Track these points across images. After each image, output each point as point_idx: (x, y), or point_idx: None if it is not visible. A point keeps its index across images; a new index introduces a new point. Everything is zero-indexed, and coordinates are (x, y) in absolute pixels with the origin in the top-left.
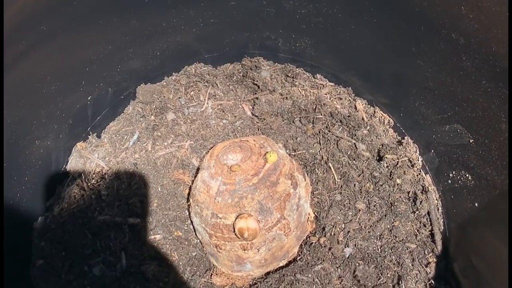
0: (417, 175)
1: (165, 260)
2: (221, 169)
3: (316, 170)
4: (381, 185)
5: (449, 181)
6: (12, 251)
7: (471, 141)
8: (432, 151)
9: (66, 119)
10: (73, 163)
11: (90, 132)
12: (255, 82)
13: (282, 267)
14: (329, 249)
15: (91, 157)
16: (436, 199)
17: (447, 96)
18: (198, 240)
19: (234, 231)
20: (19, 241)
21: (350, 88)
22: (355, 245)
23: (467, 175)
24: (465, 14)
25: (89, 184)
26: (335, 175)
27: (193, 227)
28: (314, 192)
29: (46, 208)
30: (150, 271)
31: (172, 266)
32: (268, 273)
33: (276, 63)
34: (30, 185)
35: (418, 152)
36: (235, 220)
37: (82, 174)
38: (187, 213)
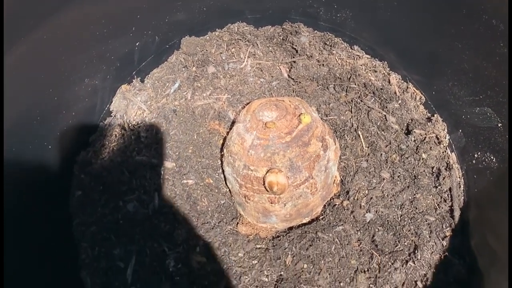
0: (443, 152)
1: (195, 204)
2: (256, 124)
3: (346, 136)
4: (407, 158)
5: (474, 161)
6: (54, 180)
7: (499, 125)
8: (460, 130)
9: (114, 61)
10: (117, 104)
11: (135, 76)
12: (294, 46)
13: (304, 224)
14: (351, 212)
15: (134, 100)
16: (459, 177)
17: (480, 79)
18: (228, 190)
19: (264, 184)
20: (61, 171)
21: (385, 62)
22: (376, 211)
23: (492, 157)
24: (507, 2)
25: (129, 125)
26: (363, 143)
27: (224, 176)
28: (342, 157)
29: (88, 143)
30: (180, 213)
31: (201, 211)
32: (291, 228)
33: (316, 31)
34: (76, 119)
35: (446, 130)
36: (266, 173)
37: (124, 115)
38: (219, 163)
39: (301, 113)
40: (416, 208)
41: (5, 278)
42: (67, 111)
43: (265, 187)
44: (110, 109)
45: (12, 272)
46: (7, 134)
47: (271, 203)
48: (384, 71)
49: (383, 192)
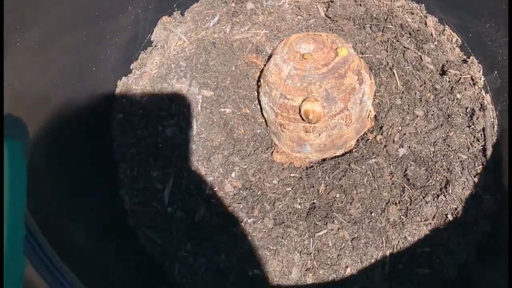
0: (478, 93)
1: (231, 132)
2: (294, 55)
3: (381, 74)
4: (441, 97)
5: (508, 103)
6: (97, 104)
7: None
8: (496, 72)
9: None
10: (158, 34)
11: (175, 9)
12: None
13: (338, 156)
14: (384, 146)
15: (175, 31)
16: (493, 118)
17: None
18: (263, 120)
19: (299, 112)
20: (103, 96)
21: (423, 5)
22: (409, 147)
23: None
24: None
25: (170, 54)
26: (398, 81)
27: (260, 106)
28: (376, 94)
29: (130, 70)
30: (217, 139)
31: (237, 139)
32: (324, 160)
33: None
34: (119, 46)
35: (481, 72)
36: (302, 102)
37: (165, 45)
38: (256, 94)
39: (338, 47)
40: (449, 146)
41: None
42: (111, 37)
43: (300, 116)
44: (151, 39)
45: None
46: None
47: (306, 132)
48: (421, 14)
49: (416, 129)
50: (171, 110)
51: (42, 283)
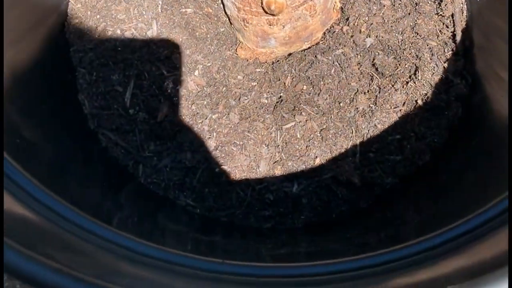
0: None
1: (193, 31)
2: None
3: None
4: None
5: None
6: (50, 7)
7: None
8: None
9: None
10: None
11: None
12: None
13: (304, 49)
14: (351, 37)
15: None
16: (462, 3)
17: None
18: (227, 18)
19: (262, 4)
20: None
21: None
22: (377, 36)
23: None
24: None
25: None
26: None
27: (223, 4)
28: None
29: None
30: (178, 39)
31: (200, 38)
32: (290, 54)
33: None
34: None
35: None
36: None
37: None
38: None
39: None
40: (418, 34)
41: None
42: None
43: (263, 8)
44: None
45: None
46: None
47: (270, 25)
48: None
49: (383, 19)
50: (130, 13)
51: None
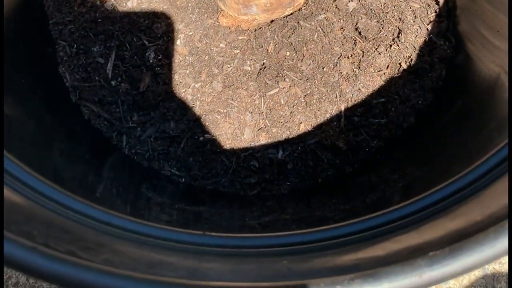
0: None
1: (174, 0)
2: None
3: None
4: None
5: None
6: None
7: None
8: None
9: None
10: None
11: None
12: None
13: (287, 16)
14: (334, 1)
15: None
16: None
17: None
18: None
19: None
20: None
21: None
22: (359, 0)
23: None
24: None
25: None
26: None
27: None
28: None
29: None
30: (159, 9)
31: (180, 7)
32: (273, 21)
33: None
34: None
35: None
36: None
37: None
38: None
39: None
40: None
41: None
42: None
43: None
44: None
45: None
46: None
47: None
48: None
49: None
50: None
51: None
